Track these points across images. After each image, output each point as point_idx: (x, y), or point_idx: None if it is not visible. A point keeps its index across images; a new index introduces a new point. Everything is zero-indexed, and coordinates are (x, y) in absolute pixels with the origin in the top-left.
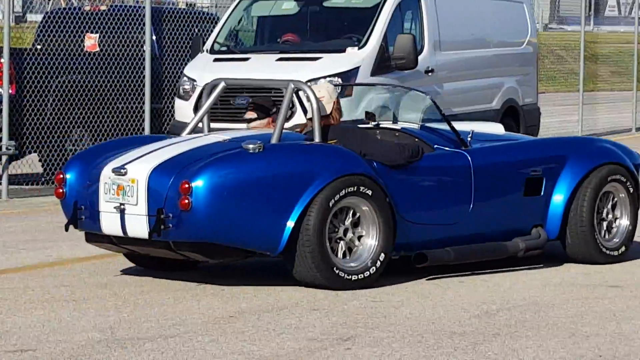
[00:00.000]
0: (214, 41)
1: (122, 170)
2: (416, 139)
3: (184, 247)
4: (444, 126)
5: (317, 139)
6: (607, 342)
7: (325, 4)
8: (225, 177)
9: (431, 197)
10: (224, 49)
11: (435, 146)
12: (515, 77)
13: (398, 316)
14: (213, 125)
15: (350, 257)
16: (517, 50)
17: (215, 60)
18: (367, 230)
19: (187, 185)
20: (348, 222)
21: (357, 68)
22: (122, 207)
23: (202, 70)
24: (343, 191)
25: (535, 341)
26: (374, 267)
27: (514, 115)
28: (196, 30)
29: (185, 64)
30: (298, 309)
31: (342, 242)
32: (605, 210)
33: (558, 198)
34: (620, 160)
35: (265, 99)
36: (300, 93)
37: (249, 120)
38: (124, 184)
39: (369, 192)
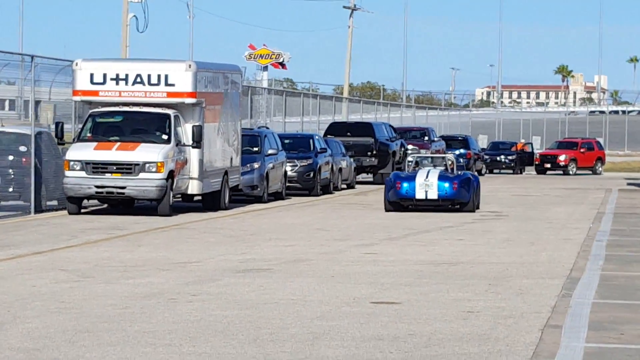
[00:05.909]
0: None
1: (427, 181)
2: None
3: (446, 202)
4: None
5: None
6: None
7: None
8: (461, 181)
9: None
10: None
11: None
12: None
13: None
14: None
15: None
16: None
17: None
18: None
19: (455, 182)
20: None
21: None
22: (426, 190)
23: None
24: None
25: None
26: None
27: None
28: None
29: None
30: None
31: None
32: None
33: None
34: None
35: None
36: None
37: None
38: (427, 183)
39: None
